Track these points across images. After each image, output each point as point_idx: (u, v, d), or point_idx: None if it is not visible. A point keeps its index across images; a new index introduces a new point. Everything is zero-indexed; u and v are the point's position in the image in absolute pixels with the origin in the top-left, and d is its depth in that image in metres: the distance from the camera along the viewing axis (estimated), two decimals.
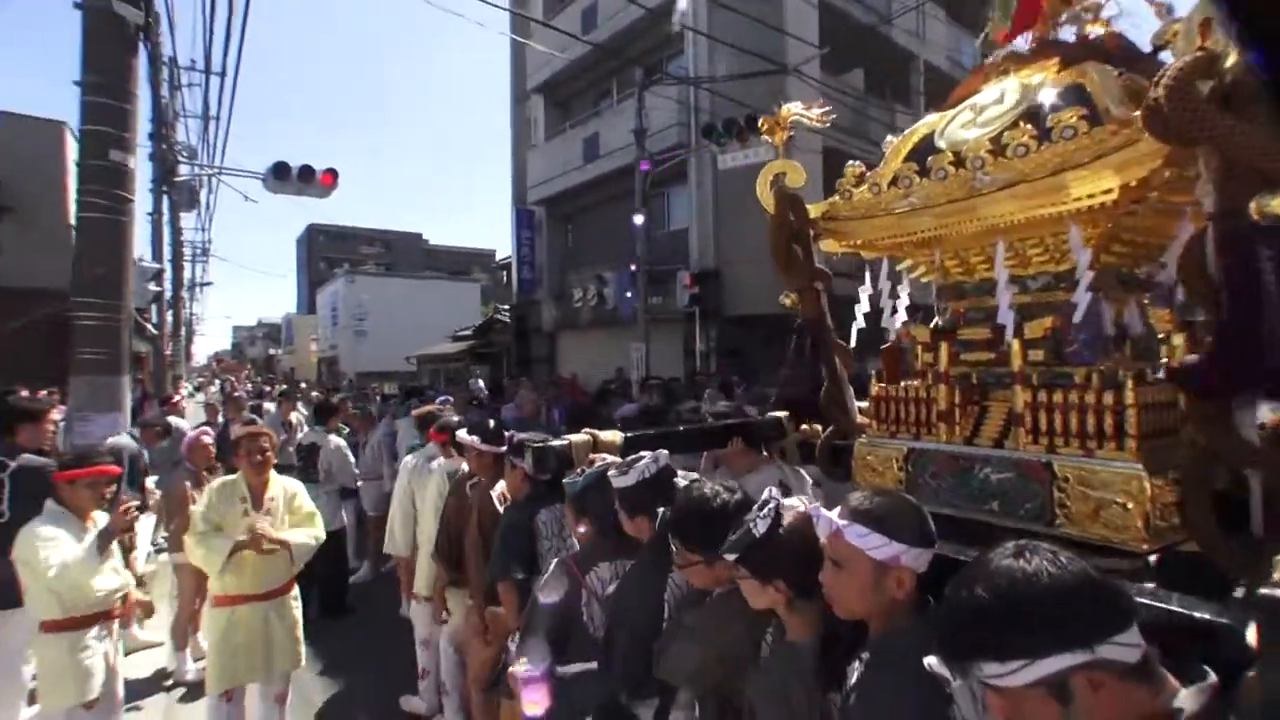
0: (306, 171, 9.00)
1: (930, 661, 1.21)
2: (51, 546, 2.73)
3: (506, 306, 22.66)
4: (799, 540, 1.52)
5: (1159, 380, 1.92)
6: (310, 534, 3.37)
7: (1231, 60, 1.44)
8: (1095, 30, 2.04)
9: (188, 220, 16.27)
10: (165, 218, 12.37)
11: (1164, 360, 2.01)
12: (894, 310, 2.48)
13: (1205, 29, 1.50)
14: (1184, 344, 1.97)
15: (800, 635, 1.57)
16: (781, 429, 2.88)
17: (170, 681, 4.41)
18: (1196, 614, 1.28)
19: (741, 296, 13.35)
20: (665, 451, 2.09)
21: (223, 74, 10.03)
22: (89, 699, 2.82)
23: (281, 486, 3.42)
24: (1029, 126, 1.90)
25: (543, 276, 18.43)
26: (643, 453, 2.07)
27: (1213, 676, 0.97)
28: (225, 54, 10.95)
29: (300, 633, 3.38)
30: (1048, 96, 1.96)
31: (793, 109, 2.49)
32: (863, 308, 2.59)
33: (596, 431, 2.58)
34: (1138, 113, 1.61)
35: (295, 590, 3.40)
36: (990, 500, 2.04)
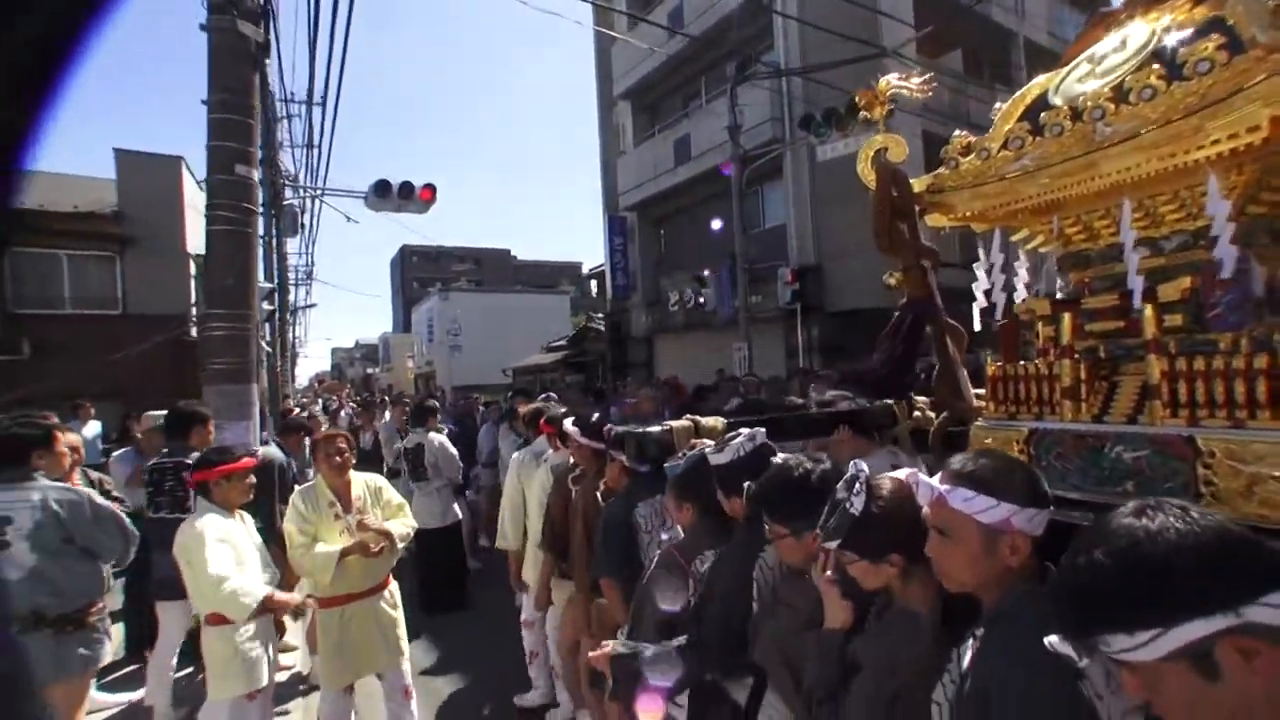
0: (406, 188, 9.46)
1: (1052, 640, 1.12)
2: (216, 553, 2.90)
3: (600, 315, 23.12)
4: (901, 507, 1.46)
5: None
6: (405, 524, 3.53)
7: None
8: None
9: (292, 245, 17.37)
10: (274, 241, 13.36)
11: None
12: (1010, 285, 2.36)
13: None
14: None
15: (918, 605, 1.48)
16: (894, 416, 2.81)
17: (304, 686, 4.68)
18: None
19: (843, 291, 13.02)
20: (762, 430, 2.09)
21: (324, 103, 10.76)
22: (254, 689, 3.01)
23: (364, 484, 3.52)
24: (1156, 67, 1.78)
25: (637, 282, 18.69)
26: (739, 430, 2.08)
27: None
28: (326, 85, 11.63)
29: (403, 623, 3.56)
30: (1179, 35, 1.83)
31: (891, 80, 2.44)
32: (981, 284, 2.49)
33: (698, 418, 2.61)
34: None
35: (394, 583, 3.57)
36: (1124, 481, 1.91)
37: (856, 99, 2.49)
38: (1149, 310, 1.90)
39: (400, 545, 3.46)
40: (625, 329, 19.49)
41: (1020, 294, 2.37)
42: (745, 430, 2.09)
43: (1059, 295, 2.21)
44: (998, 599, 1.30)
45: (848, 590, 1.57)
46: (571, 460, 3.51)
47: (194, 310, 12.97)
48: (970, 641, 1.33)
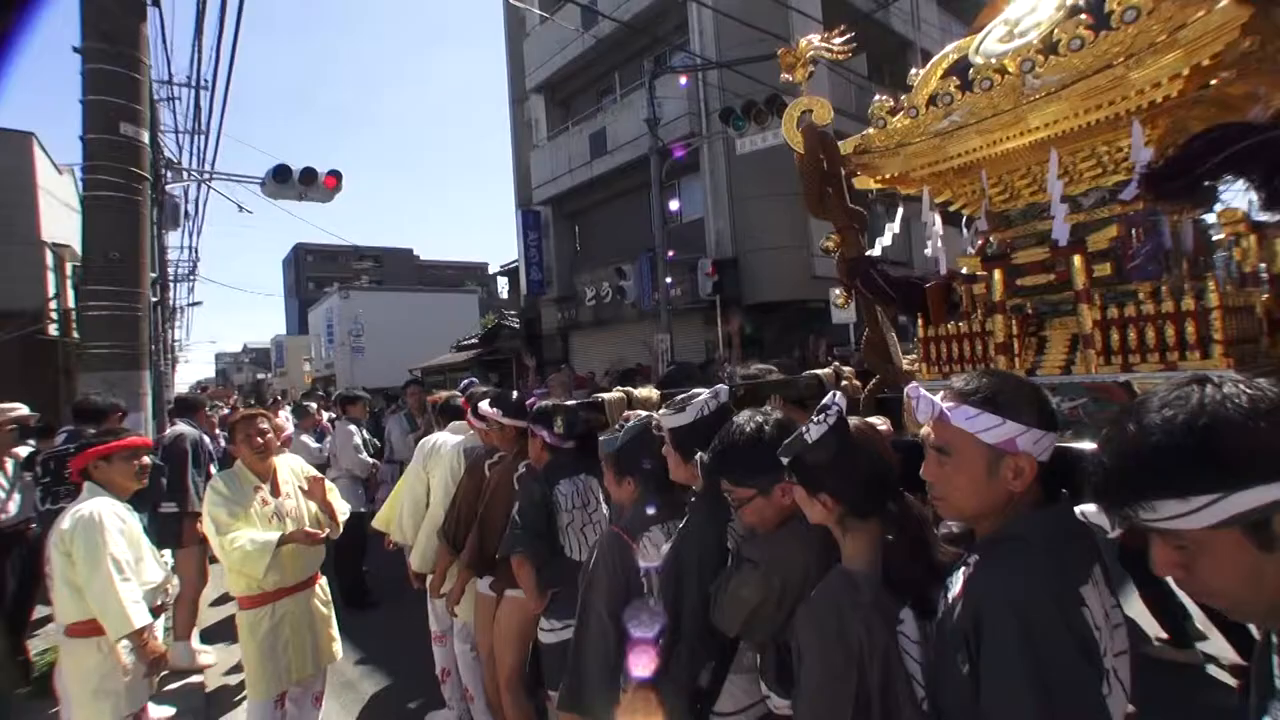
0: (309, 174, 8.76)
1: (1086, 509, 1.08)
2: (116, 544, 2.62)
3: (513, 312, 22.67)
4: (855, 451, 1.38)
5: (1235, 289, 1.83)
6: (340, 503, 3.23)
7: None
8: None
9: (172, 239, 15.84)
10: (154, 231, 12.27)
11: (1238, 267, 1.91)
12: (936, 245, 2.38)
13: None
14: (1254, 245, 1.88)
15: (856, 562, 1.39)
16: (822, 386, 2.79)
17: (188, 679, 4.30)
18: None
19: (760, 284, 13.27)
20: (724, 388, 1.98)
21: (212, 88, 9.90)
22: (131, 712, 2.71)
23: (288, 467, 3.23)
24: (1084, 17, 1.82)
25: (551, 277, 18.42)
26: (699, 389, 1.96)
27: None
28: (215, 67, 10.54)
29: (335, 622, 3.24)
30: None
31: (812, 40, 2.41)
32: (884, 240, 2.51)
33: (631, 389, 2.49)
34: None
35: (323, 577, 3.25)
36: (1063, 430, 1.94)
37: (779, 54, 2.43)
38: (1078, 261, 1.95)
39: (339, 529, 3.16)
40: (539, 325, 19.19)
41: (943, 257, 2.40)
42: (705, 390, 1.96)
43: (988, 251, 2.23)
44: (994, 527, 1.22)
45: None
46: (486, 445, 3.30)
47: (52, 304, 11.65)
48: (960, 570, 1.25)
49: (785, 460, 1.45)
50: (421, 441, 3.86)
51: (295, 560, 3.02)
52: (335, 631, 3.22)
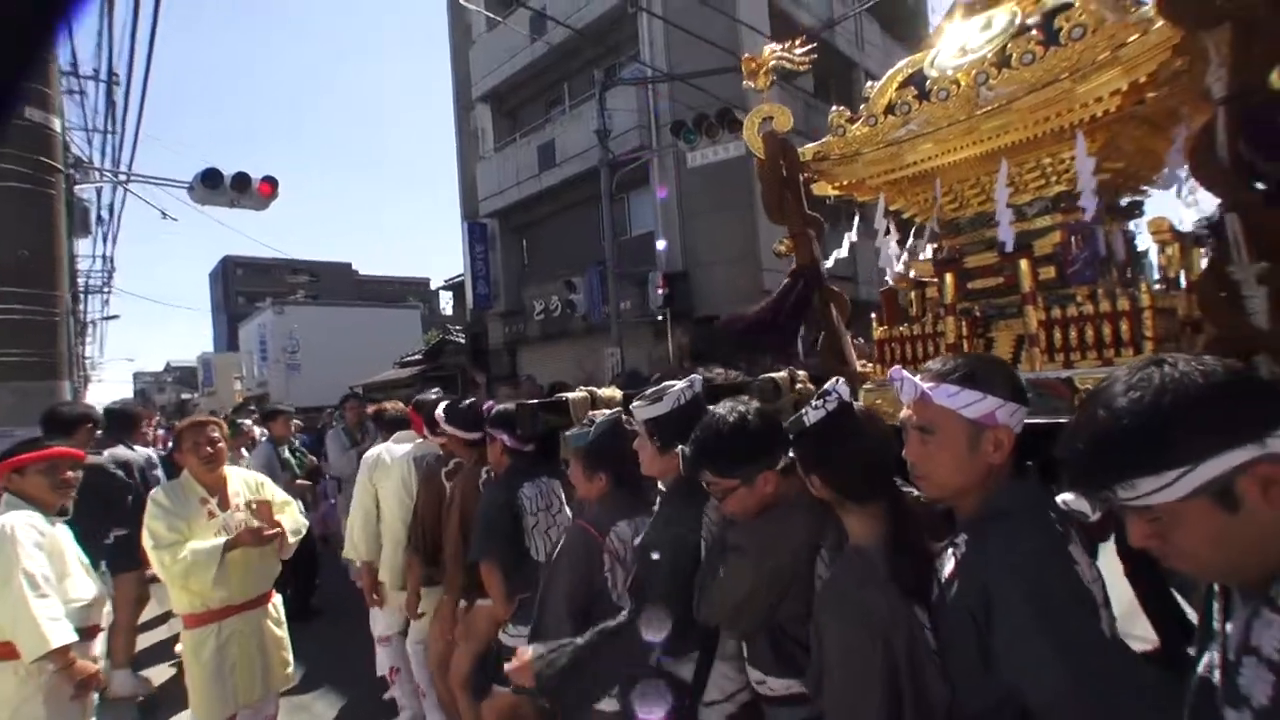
0: (241, 180, 8.30)
1: (1065, 498, 1.17)
2: (31, 558, 2.43)
3: (458, 327, 22.32)
4: (850, 438, 1.42)
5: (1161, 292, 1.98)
6: (296, 520, 3.08)
7: None
8: None
9: (83, 247, 14.77)
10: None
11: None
12: (891, 251, 2.49)
13: None
14: (1177, 253, 2.03)
15: (864, 540, 1.43)
16: (778, 388, 2.85)
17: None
18: None
19: (710, 298, 13.45)
20: (699, 377, 2.00)
21: (127, 82, 9.18)
22: None
23: (242, 480, 3.10)
24: (1035, 34, 1.94)
25: (498, 291, 18.23)
26: (672, 381, 1.98)
27: None
28: (131, 59, 9.65)
29: (289, 643, 3.09)
30: (1045, 10, 2.01)
31: (775, 49, 2.50)
32: (841, 253, 2.61)
33: (594, 389, 2.51)
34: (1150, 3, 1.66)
35: (277, 595, 3.11)
36: None
37: (743, 61, 2.51)
38: (1025, 265, 2.06)
39: (293, 542, 3.01)
40: (486, 340, 18.95)
41: (896, 265, 2.51)
42: (680, 381, 1.98)
43: (940, 256, 2.34)
44: (980, 502, 1.28)
45: None
46: (441, 453, 3.25)
47: None
48: (949, 550, 1.31)
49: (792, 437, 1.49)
50: (365, 455, 3.78)
51: (245, 576, 2.88)
52: (289, 654, 3.07)
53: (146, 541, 2.76)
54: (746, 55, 2.51)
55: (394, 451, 3.61)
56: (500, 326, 18.28)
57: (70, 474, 2.74)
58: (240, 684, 2.83)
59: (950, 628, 1.27)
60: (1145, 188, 2.25)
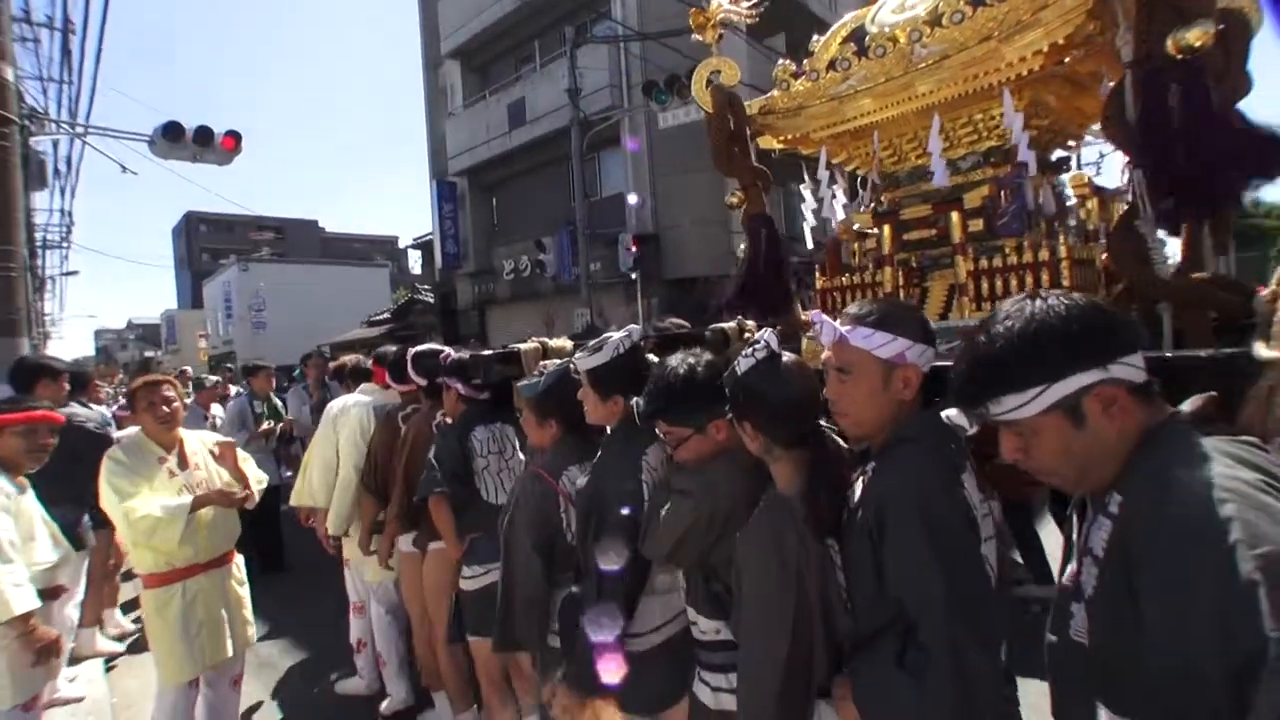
0: (204, 133, 8.03)
1: (949, 413, 1.32)
2: None
3: (426, 286, 22.08)
4: (778, 384, 1.51)
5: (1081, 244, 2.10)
6: (255, 472, 3.06)
7: None
8: None
9: (40, 200, 14.16)
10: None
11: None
12: (832, 203, 2.58)
13: None
14: (1096, 207, 2.15)
15: (787, 488, 1.53)
16: (726, 338, 2.95)
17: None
18: (1205, 352, 1.34)
19: (680, 259, 13.51)
20: (636, 327, 2.09)
21: (84, 30, 8.83)
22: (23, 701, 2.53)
23: (199, 440, 3.03)
24: None
25: (468, 251, 18.04)
26: (610, 333, 2.05)
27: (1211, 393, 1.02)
28: (87, 5, 9.27)
29: (249, 602, 3.04)
30: None
31: (721, 3, 2.53)
32: (810, 204, 2.68)
33: (545, 340, 2.58)
34: None
35: (238, 555, 3.05)
36: None
37: (691, 16, 2.53)
38: (956, 217, 2.17)
39: (256, 491, 3.00)
40: (454, 300, 18.82)
41: (840, 214, 2.60)
42: (617, 332, 2.05)
43: (878, 208, 2.43)
44: (891, 434, 1.39)
45: None
46: (401, 400, 3.31)
47: None
48: (859, 478, 1.42)
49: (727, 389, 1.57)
50: (329, 405, 3.81)
51: (210, 534, 2.84)
52: (250, 613, 3.05)
53: (107, 497, 2.69)
54: (693, 10, 2.53)
55: (358, 400, 3.65)
56: (470, 286, 18.15)
57: (49, 439, 2.70)
58: (207, 644, 2.80)
59: (853, 547, 1.39)
60: (1073, 143, 2.35)
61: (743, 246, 2.68)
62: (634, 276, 13.06)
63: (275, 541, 5.79)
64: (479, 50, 17.59)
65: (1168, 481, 0.90)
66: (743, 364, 1.54)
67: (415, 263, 29.60)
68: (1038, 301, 1.02)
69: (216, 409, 6.26)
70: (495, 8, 15.75)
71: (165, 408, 2.86)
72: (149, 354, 41.07)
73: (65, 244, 17.82)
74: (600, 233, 13.56)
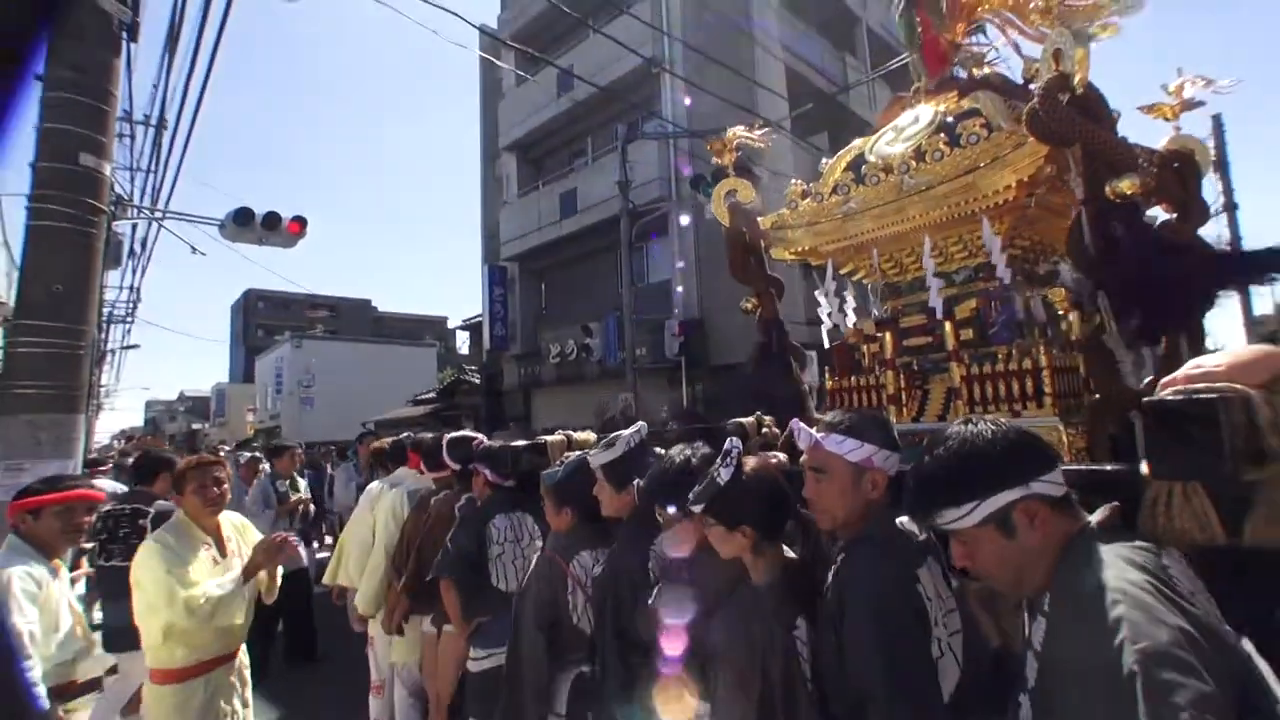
0: (272, 218, 8.69)
1: (901, 520, 1.53)
2: (24, 610, 2.36)
3: (473, 367, 22.88)
4: (762, 484, 1.74)
5: (1065, 353, 2.33)
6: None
7: (1079, 77, 1.92)
8: (980, 72, 2.57)
9: (111, 278, 15.27)
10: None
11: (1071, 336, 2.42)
12: (842, 309, 2.87)
13: (1056, 57, 1.97)
14: (1077, 320, 2.38)
15: (760, 578, 1.72)
16: (744, 432, 3.20)
17: None
18: (1107, 468, 1.61)
19: (726, 346, 13.84)
20: (644, 424, 2.37)
21: (175, 127, 9.70)
22: None
23: (230, 523, 3.01)
24: (942, 136, 2.36)
25: (515, 333, 18.84)
26: (619, 431, 2.33)
27: (1115, 503, 1.24)
28: (181, 107, 10.24)
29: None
30: (954, 115, 2.44)
31: (737, 132, 2.94)
32: (824, 309, 2.98)
33: (571, 432, 2.88)
34: (1023, 123, 2.07)
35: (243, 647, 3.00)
36: None
37: (708, 144, 2.94)
38: (949, 327, 2.44)
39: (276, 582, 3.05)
40: (500, 382, 19.48)
41: (850, 319, 2.89)
42: (626, 430, 2.34)
43: (880, 316, 2.71)
44: (858, 529, 1.59)
45: None
46: (434, 485, 3.61)
47: None
48: (833, 567, 1.62)
49: (699, 507, 1.76)
50: (368, 488, 4.12)
51: (227, 626, 2.78)
52: (251, 713, 3.01)
53: (160, 584, 2.60)
54: (712, 140, 2.94)
55: (394, 483, 3.97)
56: (516, 368, 18.80)
57: (86, 518, 2.68)
58: None
59: (821, 633, 1.60)
60: (1057, 258, 2.61)
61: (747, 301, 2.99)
62: (680, 362, 13.43)
63: (308, 629, 5.87)
64: (535, 144, 18.96)
65: (1075, 587, 1.11)
66: (724, 474, 1.73)
67: (463, 343, 30.69)
68: (968, 427, 1.26)
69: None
70: (552, 106, 17.06)
71: (216, 489, 2.83)
72: (196, 426, 42.81)
73: (130, 319, 19.11)
74: (646, 318, 14.06)
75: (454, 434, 3.45)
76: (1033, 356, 2.25)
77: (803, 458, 1.73)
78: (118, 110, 4.87)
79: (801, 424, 1.72)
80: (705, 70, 12.42)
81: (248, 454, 7.64)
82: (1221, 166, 16.00)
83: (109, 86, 4.55)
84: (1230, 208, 15.91)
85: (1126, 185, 1.78)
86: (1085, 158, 1.91)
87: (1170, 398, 1.16)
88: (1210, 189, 15.21)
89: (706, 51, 10.79)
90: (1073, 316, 2.39)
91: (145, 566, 2.62)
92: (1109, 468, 1.55)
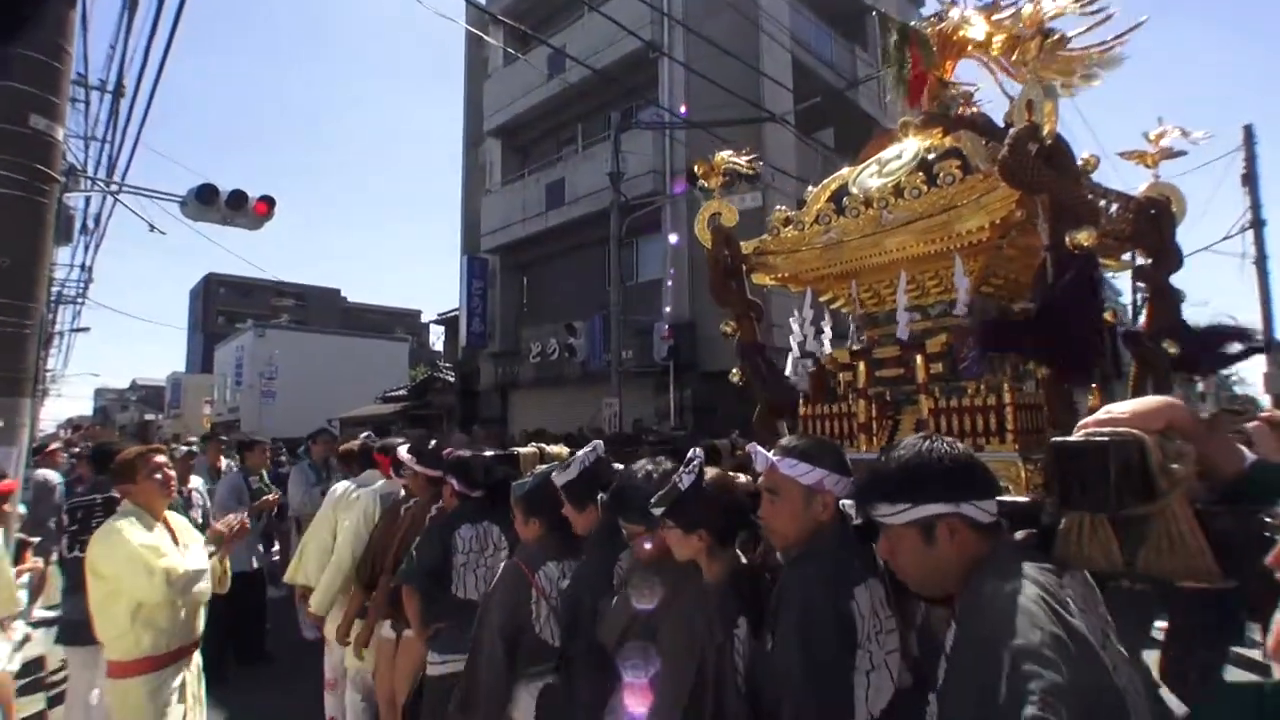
0: (238, 197, 8.45)
1: (844, 503, 1.82)
2: None
3: (448, 364, 23.03)
4: (719, 493, 2.02)
5: (1030, 391, 2.56)
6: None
7: (1047, 129, 2.16)
8: (967, 111, 2.81)
9: (62, 255, 14.89)
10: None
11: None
12: (818, 337, 3.10)
13: (1029, 107, 2.21)
14: None
15: (712, 579, 2.01)
16: (719, 453, 3.45)
17: None
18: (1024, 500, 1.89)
19: (717, 352, 14.09)
20: (600, 443, 2.62)
21: (134, 94, 9.58)
22: None
23: (175, 519, 3.23)
24: (921, 174, 2.60)
25: (494, 330, 18.99)
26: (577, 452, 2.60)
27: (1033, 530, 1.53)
28: (141, 72, 10.05)
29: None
30: (934, 154, 2.67)
31: (725, 155, 3.17)
32: (796, 337, 3.21)
33: (544, 445, 3.11)
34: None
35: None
36: None
37: (696, 167, 3.17)
38: (920, 360, 2.67)
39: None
40: (476, 381, 19.63)
41: (826, 348, 3.12)
42: (582, 450, 2.59)
43: (855, 346, 2.94)
44: (806, 546, 1.85)
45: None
46: (404, 491, 3.83)
47: None
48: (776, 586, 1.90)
49: (660, 510, 2.03)
50: (332, 489, 4.35)
51: (194, 612, 3.03)
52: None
53: (137, 559, 2.78)
54: (699, 161, 3.16)
55: (363, 485, 4.19)
56: (493, 367, 18.94)
57: (4, 507, 2.87)
58: None
59: (759, 636, 1.87)
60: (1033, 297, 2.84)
61: (734, 371, 3.21)
62: (668, 366, 13.64)
63: (258, 629, 6.12)
64: (521, 129, 19.12)
65: (979, 595, 1.37)
66: (685, 480, 2.03)
67: (437, 339, 30.79)
68: (924, 443, 1.53)
69: (196, 481, 6.33)
70: (542, 89, 17.24)
71: (169, 471, 3.12)
72: (149, 417, 42.71)
73: (80, 300, 19.09)
74: (635, 319, 14.26)
75: (426, 444, 3.68)
76: (998, 393, 2.48)
77: (760, 480, 1.98)
78: (71, 70, 4.71)
79: (758, 448, 1.96)
80: (707, 57, 12.50)
81: (183, 448, 7.75)
82: (1251, 180, 16.41)
83: (62, 41, 4.37)
84: (1258, 223, 16.34)
85: (1084, 237, 2.01)
86: (1051, 206, 2.15)
87: (1070, 439, 1.40)
88: (1238, 203, 15.64)
89: (710, 37, 10.95)
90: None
91: (112, 544, 2.80)
92: (1024, 499, 1.88)
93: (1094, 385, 2.64)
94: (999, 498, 1.54)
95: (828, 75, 16.42)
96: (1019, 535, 1.50)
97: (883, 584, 1.83)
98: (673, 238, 14.60)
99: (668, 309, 14.57)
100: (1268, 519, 1.30)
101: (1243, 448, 1.49)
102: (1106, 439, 1.37)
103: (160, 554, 2.86)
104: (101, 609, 2.84)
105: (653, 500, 2.04)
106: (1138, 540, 1.43)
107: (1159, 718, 3.33)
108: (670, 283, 14.64)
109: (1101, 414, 1.49)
